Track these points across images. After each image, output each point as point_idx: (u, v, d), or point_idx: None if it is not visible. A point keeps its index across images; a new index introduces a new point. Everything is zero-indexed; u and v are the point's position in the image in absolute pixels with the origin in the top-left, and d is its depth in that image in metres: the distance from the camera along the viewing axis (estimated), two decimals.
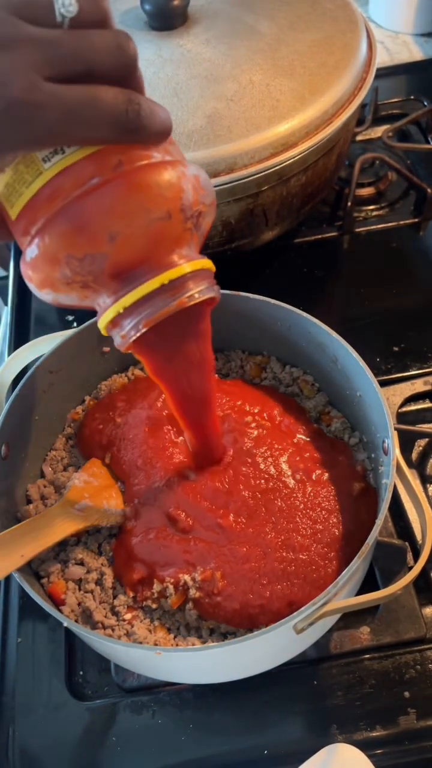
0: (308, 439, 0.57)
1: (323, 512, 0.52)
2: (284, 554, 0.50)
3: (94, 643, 0.49)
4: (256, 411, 0.58)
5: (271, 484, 0.53)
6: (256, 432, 0.56)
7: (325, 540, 0.51)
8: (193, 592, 0.49)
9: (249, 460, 0.54)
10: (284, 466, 0.54)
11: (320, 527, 0.51)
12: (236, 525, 0.51)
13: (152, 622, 0.51)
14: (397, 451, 0.49)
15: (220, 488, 0.53)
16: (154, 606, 0.51)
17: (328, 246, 0.84)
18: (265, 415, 0.58)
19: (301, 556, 0.50)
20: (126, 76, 0.32)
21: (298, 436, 0.58)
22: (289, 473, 0.54)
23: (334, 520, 0.52)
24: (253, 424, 0.57)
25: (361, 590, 0.50)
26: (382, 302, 0.77)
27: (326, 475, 0.54)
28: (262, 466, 0.54)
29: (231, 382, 0.62)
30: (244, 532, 0.51)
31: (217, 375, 0.64)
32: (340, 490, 0.54)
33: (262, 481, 0.53)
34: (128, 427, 0.58)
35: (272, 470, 0.54)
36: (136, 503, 0.54)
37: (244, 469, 0.54)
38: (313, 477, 0.54)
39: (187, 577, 0.50)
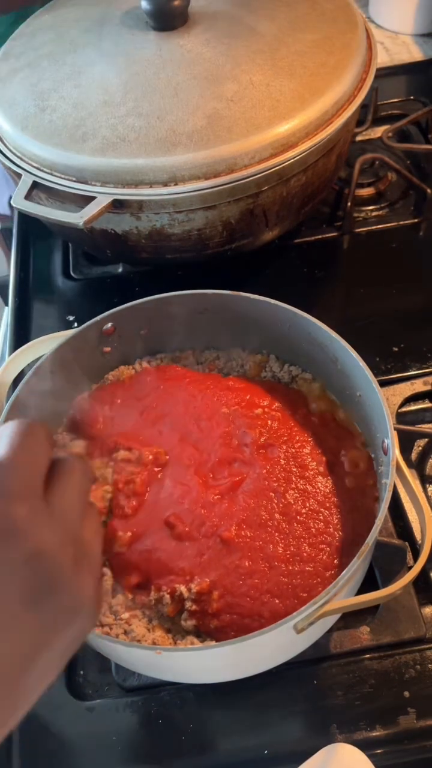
0: (324, 427, 0.56)
1: (336, 511, 0.51)
2: (291, 567, 0.49)
3: (94, 642, 0.49)
4: (264, 404, 0.58)
5: (292, 483, 0.52)
6: (269, 423, 0.55)
7: (334, 545, 0.50)
8: (189, 605, 0.49)
9: (264, 456, 0.53)
10: (307, 459, 0.53)
11: (331, 529, 0.50)
12: (239, 539, 0.50)
13: (150, 621, 0.51)
14: (397, 451, 0.49)
15: (224, 493, 0.52)
16: (148, 612, 0.50)
17: (328, 246, 0.84)
18: (274, 406, 0.57)
19: (307, 568, 0.49)
20: None
21: (314, 423, 0.56)
22: (313, 465, 0.53)
23: (345, 521, 0.51)
24: (264, 417, 0.56)
25: (361, 590, 0.50)
26: (382, 302, 0.77)
27: (346, 466, 0.54)
28: (282, 461, 0.53)
29: (234, 378, 0.62)
30: (249, 545, 0.50)
31: (217, 373, 0.64)
32: (358, 485, 0.53)
33: (281, 481, 0.52)
34: (120, 426, 0.57)
35: (292, 465, 0.53)
36: (134, 504, 0.53)
37: (257, 468, 0.53)
38: (335, 469, 0.53)
39: (183, 588, 0.49)
